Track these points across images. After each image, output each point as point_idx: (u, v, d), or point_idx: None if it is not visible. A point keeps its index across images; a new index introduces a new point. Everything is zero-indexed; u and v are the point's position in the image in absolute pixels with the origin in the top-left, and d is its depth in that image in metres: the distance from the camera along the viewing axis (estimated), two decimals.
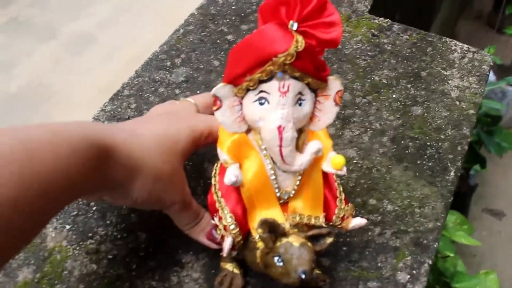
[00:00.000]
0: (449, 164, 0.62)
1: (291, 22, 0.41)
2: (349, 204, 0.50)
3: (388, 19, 0.79)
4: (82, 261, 0.54)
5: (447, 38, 0.77)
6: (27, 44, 1.97)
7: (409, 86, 0.70)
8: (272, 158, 0.46)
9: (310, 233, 0.46)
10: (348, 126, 0.66)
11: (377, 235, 0.56)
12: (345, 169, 0.46)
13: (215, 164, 0.50)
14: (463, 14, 2.76)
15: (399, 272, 0.54)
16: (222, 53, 0.74)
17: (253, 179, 0.46)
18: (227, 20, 0.78)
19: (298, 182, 0.47)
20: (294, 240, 0.44)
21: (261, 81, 0.42)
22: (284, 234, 0.45)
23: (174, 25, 0.78)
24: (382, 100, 0.68)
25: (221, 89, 0.43)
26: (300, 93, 0.43)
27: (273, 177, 0.47)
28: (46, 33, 2.02)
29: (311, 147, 0.45)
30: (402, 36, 0.77)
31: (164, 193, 0.49)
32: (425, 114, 0.67)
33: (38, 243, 0.55)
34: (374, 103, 0.68)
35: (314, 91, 0.44)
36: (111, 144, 0.44)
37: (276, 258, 0.44)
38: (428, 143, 0.64)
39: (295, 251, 0.44)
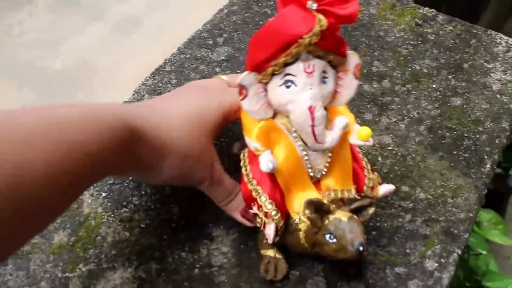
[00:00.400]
0: (485, 157, 0.62)
1: (310, 2, 0.41)
2: (375, 173, 0.51)
3: (433, 9, 0.78)
4: (116, 228, 0.56)
5: (493, 31, 0.75)
6: (74, 24, 2.01)
7: (450, 76, 0.69)
8: (302, 140, 0.46)
9: (354, 206, 0.46)
10: (386, 113, 0.65)
11: (408, 222, 0.56)
12: (371, 140, 0.47)
13: (242, 154, 0.51)
14: None
15: (427, 260, 0.54)
16: None
17: (286, 162, 0.47)
18: (271, 2, 0.79)
19: (328, 159, 0.47)
20: (342, 215, 0.45)
21: (286, 64, 0.43)
22: (329, 211, 0.45)
23: (220, 7, 0.79)
24: (422, 89, 0.68)
25: (246, 77, 0.44)
26: (323, 71, 0.44)
27: (306, 157, 0.47)
28: (94, 14, 2.06)
29: (339, 122, 0.46)
30: (446, 27, 0.76)
31: (194, 170, 0.50)
32: (464, 106, 0.66)
33: (74, 208, 0.57)
34: (413, 92, 0.68)
35: (335, 67, 0.45)
36: (141, 126, 0.45)
37: (327, 236, 0.45)
38: (466, 134, 0.64)
39: (345, 225, 0.44)
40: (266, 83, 0.44)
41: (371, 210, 0.46)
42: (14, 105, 0.57)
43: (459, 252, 0.54)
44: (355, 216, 0.45)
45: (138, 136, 0.44)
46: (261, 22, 0.76)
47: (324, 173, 0.48)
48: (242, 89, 0.44)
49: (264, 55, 0.43)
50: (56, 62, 1.92)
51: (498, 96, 0.68)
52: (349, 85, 0.46)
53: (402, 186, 0.59)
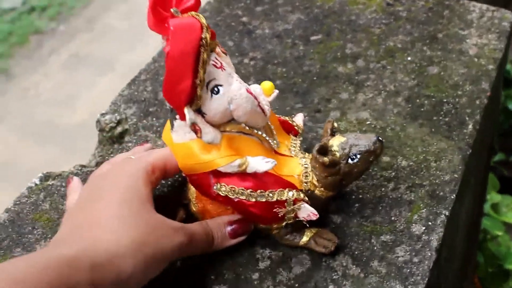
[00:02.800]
0: (466, 118, 0.60)
1: (172, 10, 0.41)
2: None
3: None
4: None
5: (465, 0, 0.75)
6: (87, 78, 2.05)
7: (424, 48, 0.69)
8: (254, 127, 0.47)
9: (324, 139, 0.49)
10: (362, 90, 0.64)
11: (391, 191, 0.55)
12: (276, 91, 0.48)
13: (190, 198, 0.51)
14: None
15: (413, 225, 0.52)
16: (236, 33, 0.74)
17: (261, 153, 0.46)
18: (242, 4, 0.79)
19: (272, 127, 0.48)
20: (337, 139, 0.47)
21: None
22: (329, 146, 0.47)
23: None
24: (397, 64, 0.67)
25: (190, 113, 0.43)
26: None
27: (270, 140, 0.48)
28: (104, 66, 2.10)
29: (257, 89, 0.47)
30: (418, 2, 0.75)
31: (159, 254, 0.44)
32: (442, 73, 0.65)
33: (55, 219, 0.57)
34: (388, 67, 0.67)
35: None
36: (75, 273, 0.39)
37: (350, 160, 0.46)
38: (445, 100, 0.62)
39: (351, 141, 0.46)
40: (199, 109, 0.44)
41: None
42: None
43: (447, 213, 0.53)
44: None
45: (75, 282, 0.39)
46: (233, 23, 0.76)
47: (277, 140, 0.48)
48: (195, 126, 0.44)
49: (188, 81, 0.42)
50: (74, 117, 1.95)
51: (476, 59, 0.66)
52: (229, 61, 0.46)
53: (383, 157, 0.58)
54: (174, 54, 0.41)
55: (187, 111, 0.43)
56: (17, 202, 0.57)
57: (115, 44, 2.21)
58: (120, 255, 0.41)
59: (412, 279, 0.48)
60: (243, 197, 0.47)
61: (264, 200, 0.47)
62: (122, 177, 0.47)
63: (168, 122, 0.48)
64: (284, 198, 0.47)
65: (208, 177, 0.46)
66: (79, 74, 2.12)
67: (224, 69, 0.43)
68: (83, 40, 2.28)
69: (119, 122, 0.64)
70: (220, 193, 0.47)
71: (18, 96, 2.05)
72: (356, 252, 0.51)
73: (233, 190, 0.46)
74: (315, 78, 0.66)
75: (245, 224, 0.50)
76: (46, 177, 0.60)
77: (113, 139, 0.63)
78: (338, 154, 0.46)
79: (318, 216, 0.47)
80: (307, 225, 0.49)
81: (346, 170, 0.46)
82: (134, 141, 0.62)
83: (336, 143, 0.47)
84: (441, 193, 0.54)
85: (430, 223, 0.52)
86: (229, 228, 0.50)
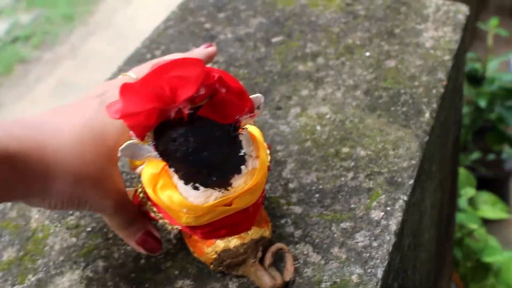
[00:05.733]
0: (423, 107, 0.62)
1: None
2: None
3: None
4: (63, 236, 0.56)
5: None
6: None
7: (382, 43, 0.70)
8: None
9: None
10: (322, 86, 0.66)
11: (350, 180, 0.56)
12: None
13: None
14: None
15: (372, 211, 0.53)
16: (200, 40, 0.76)
17: None
18: (205, 12, 0.81)
19: None
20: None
21: None
22: None
23: None
24: (355, 59, 0.68)
25: None
26: None
27: None
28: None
29: None
30: (376, 1, 0.77)
31: (88, 196, 0.44)
32: (399, 66, 0.67)
33: (22, 225, 0.57)
34: (347, 63, 0.68)
35: None
36: (16, 149, 0.39)
37: None
38: (402, 91, 0.64)
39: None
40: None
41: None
42: None
43: (405, 198, 0.54)
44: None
45: (9, 160, 0.38)
46: (196, 30, 0.77)
47: None
48: None
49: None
50: None
51: (432, 51, 0.68)
52: None
53: (342, 148, 0.59)
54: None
55: None
56: None
57: (100, 69, 2.22)
58: (52, 163, 0.41)
59: (372, 263, 0.49)
60: None
61: None
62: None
63: None
64: None
65: None
66: (67, 100, 2.13)
67: None
68: (69, 66, 2.30)
69: None
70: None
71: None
72: (316, 241, 0.51)
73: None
74: (276, 78, 0.67)
75: (157, 244, 0.49)
76: None
77: None
78: None
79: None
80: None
81: None
82: None
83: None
84: (399, 179, 0.55)
85: (388, 208, 0.53)
86: (141, 237, 0.49)
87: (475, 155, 1.34)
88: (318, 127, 0.61)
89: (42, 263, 0.54)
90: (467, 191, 1.08)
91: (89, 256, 0.54)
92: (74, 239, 0.55)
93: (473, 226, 1.01)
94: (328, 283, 0.48)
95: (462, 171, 1.13)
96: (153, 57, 0.75)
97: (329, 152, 0.58)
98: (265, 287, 0.47)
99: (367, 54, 0.69)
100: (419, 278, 0.70)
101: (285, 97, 0.65)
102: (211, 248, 0.47)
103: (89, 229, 0.56)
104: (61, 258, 0.54)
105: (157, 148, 0.41)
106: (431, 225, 0.74)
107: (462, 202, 1.06)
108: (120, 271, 0.52)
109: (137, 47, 0.77)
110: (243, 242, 0.47)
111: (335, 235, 0.52)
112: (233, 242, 0.47)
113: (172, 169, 0.42)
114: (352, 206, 0.54)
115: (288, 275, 0.48)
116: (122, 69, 0.74)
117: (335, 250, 0.50)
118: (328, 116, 0.62)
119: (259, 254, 0.48)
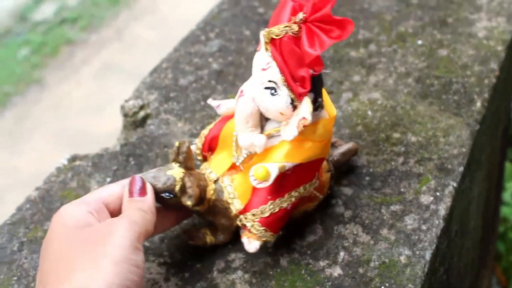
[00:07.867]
0: (475, 96, 0.62)
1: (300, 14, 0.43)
2: None
3: None
4: None
5: None
6: (117, 87, 2.09)
7: (435, 32, 0.71)
8: None
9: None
10: (374, 72, 0.67)
11: (401, 164, 0.57)
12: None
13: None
14: None
15: (422, 195, 0.54)
16: (253, 24, 0.77)
17: None
18: None
19: None
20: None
21: None
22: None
23: None
24: (408, 47, 0.69)
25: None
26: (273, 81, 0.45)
27: None
28: (134, 75, 2.15)
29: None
30: None
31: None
32: (451, 55, 0.67)
33: (82, 195, 0.60)
34: (399, 51, 0.69)
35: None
36: None
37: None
38: (454, 80, 0.64)
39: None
40: None
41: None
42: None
43: (455, 184, 0.55)
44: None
45: None
46: (249, 14, 0.79)
47: None
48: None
49: None
50: (105, 126, 1.99)
51: (485, 41, 0.68)
52: (287, 129, 0.46)
53: (394, 134, 0.60)
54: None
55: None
56: (47, 181, 0.61)
57: (143, 54, 2.25)
58: None
59: (420, 245, 0.50)
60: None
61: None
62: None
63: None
64: None
65: None
66: (110, 83, 2.16)
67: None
68: (113, 49, 2.33)
69: (142, 107, 0.67)
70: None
71: (52, 105, 2.10)
72: (366, 221, 0.53)
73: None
74: (328, 63, 0.69)
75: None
76: (73, 158, 0.63)
77: (136, 123, 0.67)
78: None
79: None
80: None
81: None
82: (156, 123, 0.65)
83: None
84: (449, 166, 0.56)
85: (438, 193, 0.54)
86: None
87: None
88: (370, 112, 0.62)
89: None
90: None
91: None
92: None
93: None
94: (377, 263, 0.50)
95: (508, 165, 1.13)
96: (207, 38, 0.77)
97: (380, 137, 0.60)
98: None
99: (420, 42, 0.70)
100: (463, 265, 0.71)
101: (337, 82, 0.66)
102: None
103: None
104: None
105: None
106: (477, 214, 0.75)
107: (507, 195, 1.05)
108: (175, 242, 0.54)
109: (192, 29, 0.79)
110: None
111: (385, 217, 0.53)
112: None
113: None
114: (402, 190, 0.55)
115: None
116: (177, 50, 0.76)
117: (384, 232, 0.52)
118: (379, 102, 0.63)
119: None
